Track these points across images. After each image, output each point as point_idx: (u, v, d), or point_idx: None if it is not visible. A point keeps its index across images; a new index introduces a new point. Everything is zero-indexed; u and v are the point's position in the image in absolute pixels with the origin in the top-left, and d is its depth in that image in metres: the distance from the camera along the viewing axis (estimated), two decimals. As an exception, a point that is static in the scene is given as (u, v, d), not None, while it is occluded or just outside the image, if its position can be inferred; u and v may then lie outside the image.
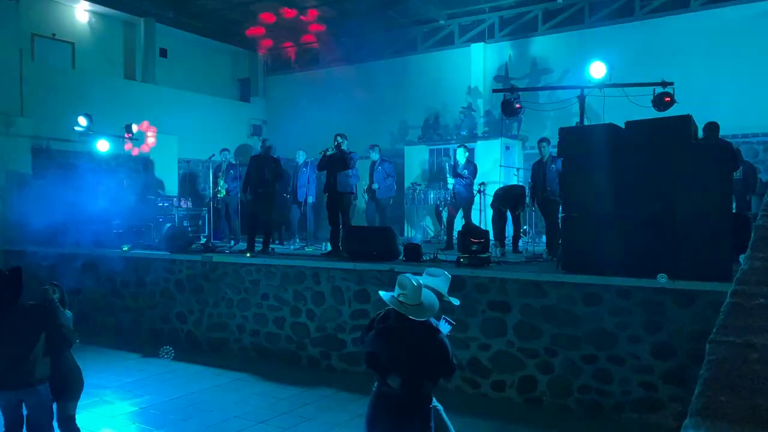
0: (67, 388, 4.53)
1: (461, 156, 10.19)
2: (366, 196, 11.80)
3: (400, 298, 3.47)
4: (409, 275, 3.54)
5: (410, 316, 3.44)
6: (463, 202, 10.09)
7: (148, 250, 10.07)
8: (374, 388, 3.63)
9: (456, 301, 3.89)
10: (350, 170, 9.27)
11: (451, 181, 10.01)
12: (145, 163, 14.39)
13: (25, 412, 4.33)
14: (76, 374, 4.62)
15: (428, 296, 3.55)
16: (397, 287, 3.50)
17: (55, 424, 4.48)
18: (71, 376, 4.57)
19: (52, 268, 10.34)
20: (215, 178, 12.29)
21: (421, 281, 3.54)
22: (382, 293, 3.62)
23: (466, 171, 9.98)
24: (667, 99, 8.45)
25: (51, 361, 4.43)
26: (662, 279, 5.74)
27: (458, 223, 10.20)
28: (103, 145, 11.45)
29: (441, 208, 11.74)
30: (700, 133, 7.63)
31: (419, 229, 12.43)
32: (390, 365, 3.49)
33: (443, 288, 3.74)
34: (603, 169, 6.32)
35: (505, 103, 9.22)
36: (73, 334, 4.57)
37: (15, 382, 4.27)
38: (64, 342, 4.46)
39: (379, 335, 3.59)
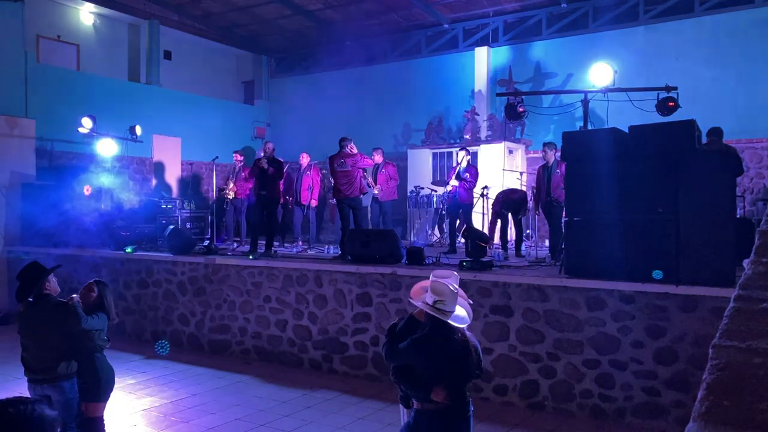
0: (94, 389, 4.52)
1: (463, 159, 10.18)
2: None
3: (438, 305, 3.32)
4: (443, 281, 3.41)
5: (454, 324, 3.32)
6: (464, 205, 10.09)
7: (151, 251, 10.09)
8: (415, 407, 3.43)
9: (470, 301, 3.82)
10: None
11: (455, 184, 9.99)
12: (149, 165, 14.44)
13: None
14: (106, 376, 4.60)
15: (462, 302, 3.48)
16: (430, 294, 3.37)
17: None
18: (99, 378, 4.55)
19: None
20: (226, 179, 12.32)
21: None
22: (415, 301, 3.49)
23: (468, 174, 9.98)
24: (671, 104, 8.44)
25: (79, 361, 4.48)
26: (658, 275, 5.75)
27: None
28: (107, 147, 11.47)
29: (443, 212, 11.73)
30: (704, 138, 7.62)
31: (422, 232, 12.42)
32: (433, 377, 3.33)
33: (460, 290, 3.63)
34: (606, 173, 6.32)
35: (509, 106, 9.22)
36: (101, 338, 4.58)
37: (39, 376, 4.38)
38: (86, 344, 4.48)
39: (417, 345, 3.39)
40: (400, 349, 3.44)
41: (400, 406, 3.79)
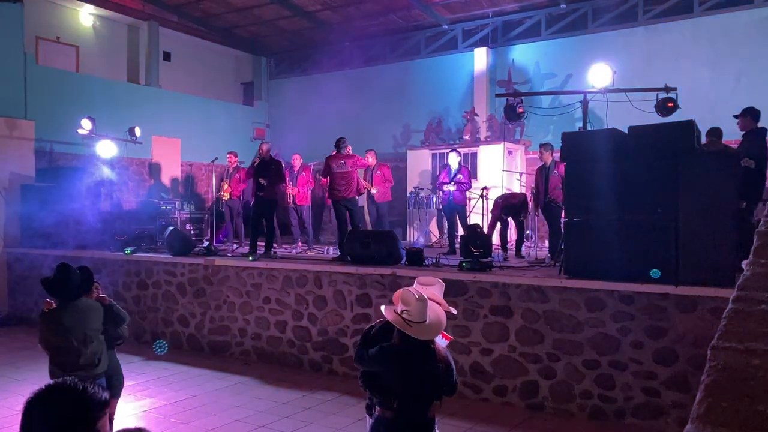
0: (113, 385, 4.64)
1: (454, 161, 10.20)
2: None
3: (404, 316, 3.14)
4: (411, 289, 3.24)
5: (415, 337, 3.14)
6: (458, 206, 10.12)
7: (151, 252, 10.09)
8: (375, 414, 3.33)
9: (453, 311, 3.63)
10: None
11: (451, 189, 10.01)
12: (148, 167, 14.44)
13: None
14: (120, 372, 4.77)
15: (434, 311, 3.26)
16: (399, 303, 3.21)
17: None
18: (116, 374, 4.71)
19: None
20: (221, 180, 12.33)
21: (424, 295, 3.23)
22: (384, 309, 3.33)
23: (461, 176, 10.01)
24: (671, 104, 8.44)
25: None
26: (656, 274, 5.75)
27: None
28: (106, 148, 11.47)
29: (442, 213, 11.76)
30: (704, 139, 7.62)
31: (422, 234, 12.43)
32: (395, 387, 3.21)
33: (439, 296, 3.49)
34: (606, 174, 6.33)
35: (508, 107, 9.22)
36: (126, 333, 4.79)
37: (80, 374, 4.37)
38: (118, 340, 4.67)
39: (382, 354, 3.25)
40: (369, 356, 3.32)
41: (366, 417, 3.64)
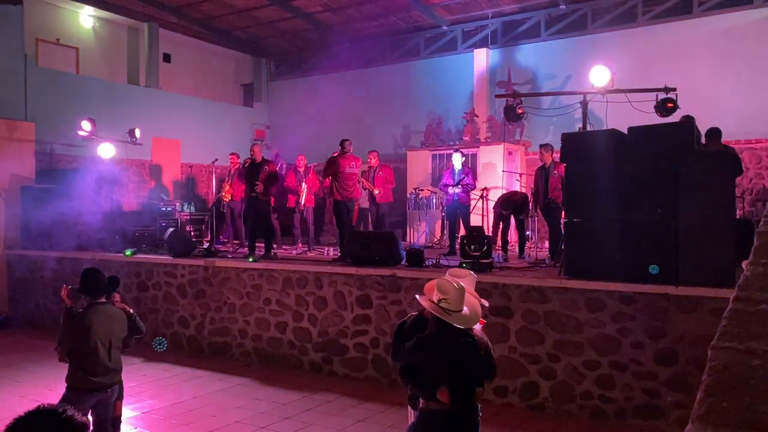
0: (120, 388, 4.66)
1: (457, 161, 10.19)
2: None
3: (442, 304, 3.17)
4: (448, 279, 3.27)
5: (456, 325, 3.17)
6: (462, 207, 10.12)
7: (151, 254, 10.09)
8: (420, 406, 3.33)
9: (485, 303, 3.67)
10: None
11: (457, 191, 10.01)
12: (148, 168, 14.44)
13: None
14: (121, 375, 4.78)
15: (470, 301, 3.33)
16: (436, 292, 3.24)
17: None
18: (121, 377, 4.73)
19: (55, 272, 10.39)
20: (222, 182, 12.33)
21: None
22: (419, 298, 3.36)
23: (464, 176, 10.01)
24: (670, 105, 8.45)
25: None
26: (654, 270, 5.75)
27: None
28: (106, 150, 11.48)
29: (443, 214, 11.76)
30: (703, 139, 7.63)
31: (422, 234, 12.43)
32: (437, 378, 3.21)
33: (471, 289, 3.53)
34: (606, 174, 6.33)
35: (508, 108, 9.22)
36: (134, 342, 4.82)
37: (107, 380, 4.43)
38: (126, 347, 4.69)
39: (420, 346, 3.27)
40: (406, 349, 3.34)
41: (409, 408, 3.67)
